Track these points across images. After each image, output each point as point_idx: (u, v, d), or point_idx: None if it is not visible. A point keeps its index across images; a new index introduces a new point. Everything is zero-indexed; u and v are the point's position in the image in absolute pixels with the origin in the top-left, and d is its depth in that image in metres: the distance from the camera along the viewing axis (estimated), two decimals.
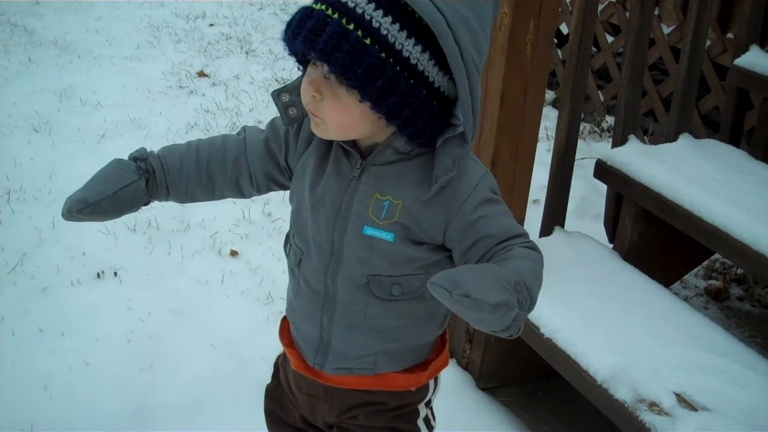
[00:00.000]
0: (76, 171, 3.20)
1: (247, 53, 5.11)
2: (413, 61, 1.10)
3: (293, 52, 1.18)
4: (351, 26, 1.07)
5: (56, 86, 4.40)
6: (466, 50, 1.10)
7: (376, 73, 1.08)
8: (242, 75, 4.76)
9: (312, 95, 1.15)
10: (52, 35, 5.19)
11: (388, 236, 1.23)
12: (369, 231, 1.23)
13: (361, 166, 1.24)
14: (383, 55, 1.08)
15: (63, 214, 1.28)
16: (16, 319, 2.56)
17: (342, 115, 1.15)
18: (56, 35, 5.19)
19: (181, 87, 4.54)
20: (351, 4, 1.08)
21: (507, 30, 2.06)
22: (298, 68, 1.23)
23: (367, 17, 1.07)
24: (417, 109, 1.12)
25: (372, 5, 1.08)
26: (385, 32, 1.08)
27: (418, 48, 1.10)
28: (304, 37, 1.09)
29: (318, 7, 1.10)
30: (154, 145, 1.40)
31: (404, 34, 1.09)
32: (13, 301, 2.65)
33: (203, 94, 4.45)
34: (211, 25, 5.64)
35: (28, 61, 4.75)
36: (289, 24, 1.13)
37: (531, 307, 1.06)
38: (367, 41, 1.07)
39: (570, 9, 4.28)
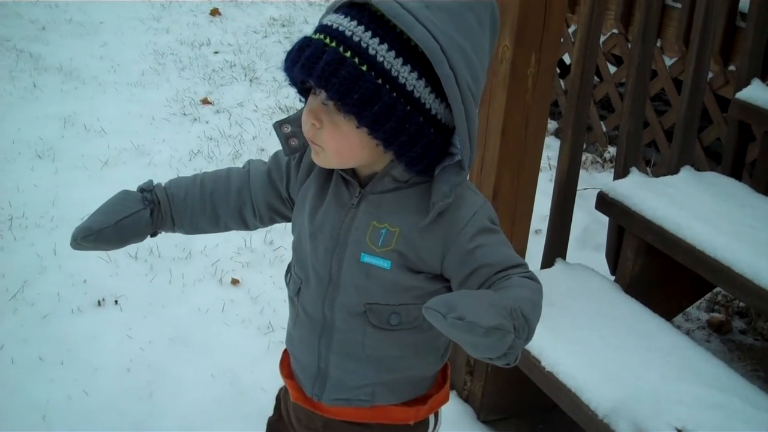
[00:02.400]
0: (79, 198, 3.24)
1: (251, 81, 5.14)
2: (409, 88, 1.12)
3: (293, 81, 1.21)
4: (348, 54, 1.10)
5: (60, 112, 4.41)
6: (461, 76, 1.12)
7: (372, 98, 1.10)
8: (246, 102, 4.77)
9: (311, 123, 1.17)
10: (58, 61, 5.22)
11: (385, 263, 1.23)
12: (366, 258, 1.24)
13: (359, 194, 1.25)
14: (380, 81, 1.11)
15: (70, 243, 1.32)
16: (16, 347, 2.56)
17: (340, 142, 1.17)
18: (61, 61, 5.22)
19: (185, 114, 4.56)
20: (348, 33, 1.11)
21: (508, 63, 2.07)
22: (300, 100, 1.25)
23: (364, 45, 1.11)
24: (414, 135, 1.15)
25: (368, 33, 1.11)
26: (381, 59, 1.11)
27: (414, 75, 1.12)
28: (303, 64, 1.12)
29: (316, 36, 1.14)
30: (158, 172, 1.42)
31: (400, 61, 1.11)
32: (13, 329, 2.64)
33: (207, 122, 4.46)
34: (216, 52, 5.67)
35: (33, 87, 4.77)
36: (289, 53, 1.16)
37: (529, 336, 1.06)
38: (364, 68, 1.10)
39: (572, 40, 4.31)
